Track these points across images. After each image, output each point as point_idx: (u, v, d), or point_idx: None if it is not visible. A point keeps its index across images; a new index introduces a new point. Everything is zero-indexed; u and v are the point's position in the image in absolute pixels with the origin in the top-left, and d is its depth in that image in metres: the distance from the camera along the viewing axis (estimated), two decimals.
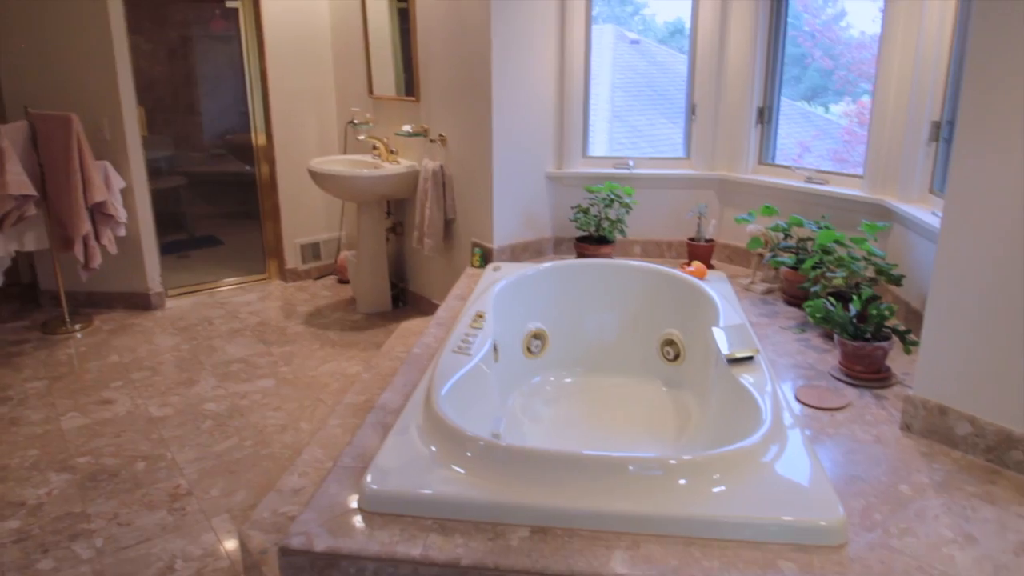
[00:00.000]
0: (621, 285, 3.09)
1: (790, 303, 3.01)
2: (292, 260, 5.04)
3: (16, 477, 2.75)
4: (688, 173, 3.65)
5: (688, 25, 3.61)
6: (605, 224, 3.51)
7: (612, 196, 3.49)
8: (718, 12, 3.44)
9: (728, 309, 2.68)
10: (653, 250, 3.72)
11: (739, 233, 3.46)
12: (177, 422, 3.15)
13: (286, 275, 5.05)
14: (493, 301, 2.75)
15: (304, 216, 5.02)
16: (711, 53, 3.50)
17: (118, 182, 4.16)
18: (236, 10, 4.78)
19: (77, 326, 4.23)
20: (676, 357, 2.92)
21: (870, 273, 2.67)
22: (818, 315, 2.49)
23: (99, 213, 4.01)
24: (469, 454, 1.75)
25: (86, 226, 3.94)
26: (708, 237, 3.51)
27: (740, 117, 3.48)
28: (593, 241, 3.53)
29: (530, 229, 3.72)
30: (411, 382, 2.35)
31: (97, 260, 4.03)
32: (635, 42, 3.97)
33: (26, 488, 2.68)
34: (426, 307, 4.29)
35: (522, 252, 3.69)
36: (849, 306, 2.40)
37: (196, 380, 3.56)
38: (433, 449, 1.82)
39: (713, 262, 3.54)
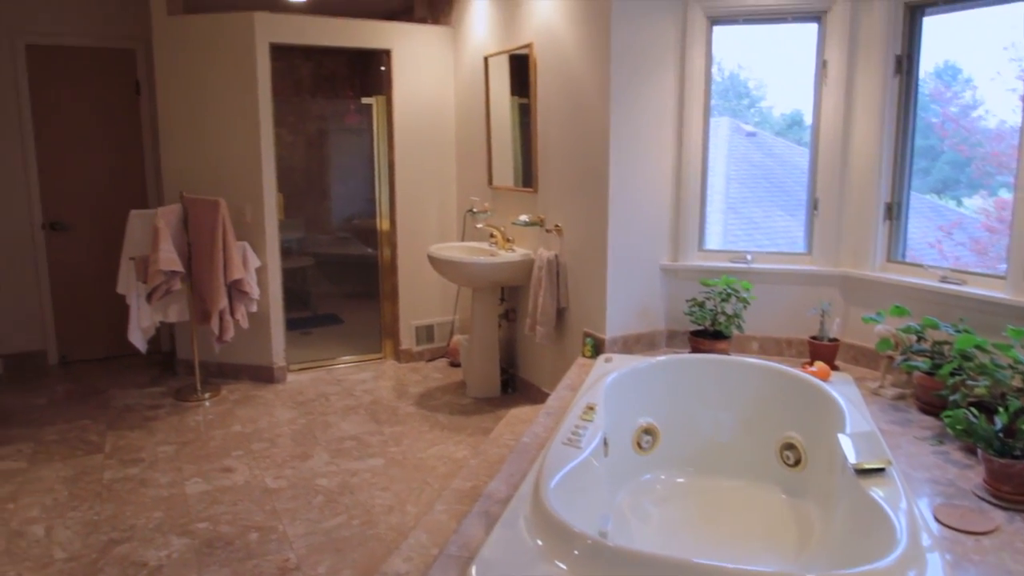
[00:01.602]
0: (738, 383, 2.98)
1: (925, 411, 2.80)
2: (407, 341, 5.19)
3: (141, 537, 2.89)
4: (810, 269, 3.53)
5: (806, 117, 3.58)
6: (721, 319, 3.43)
7: (729, 290, 3.42)
8: (841, 105, 3.39)
9: (855, 414, 2.53)
10: (772, 347, 3.58)
11: (866, 333, 3.29)
12: (290, 495, 3.24)
13: (400, 355, 5.19)
14: (604, 393, 2.72)
15: (420, 299, 5.18)
16: (834, 146, 3.43)
17: (254, 262, 4.47)
18: (370, 106, 5.15)
19: (207, 395, 4.49)
20: (797, 463, 2.75)
21: (1017, 383, 2.45)
22: (959, 427, 2.30)
23: (236, 290, 4.30)
24: (576, 552, 1.70)
25: (223, 301, 4.23)
26: (832, 336, 3.35)
27: (866, 212, 3.37)
28: (709, 336, 3.45)
29: (643, 321, 3.68)
30: (519, 471, 2.33)
31: (230, 333, 4.30)
32: (751, 134, 3.96)
33: (149, 549, 2.81)
34: (535, 395, 4.28)
35: (634, 344, 3.65)
36: (994, 418, 2.21)
37: (310, 454, 3.67)
38: (539, 543, 1.78)
39: (837, 363, 3.36)
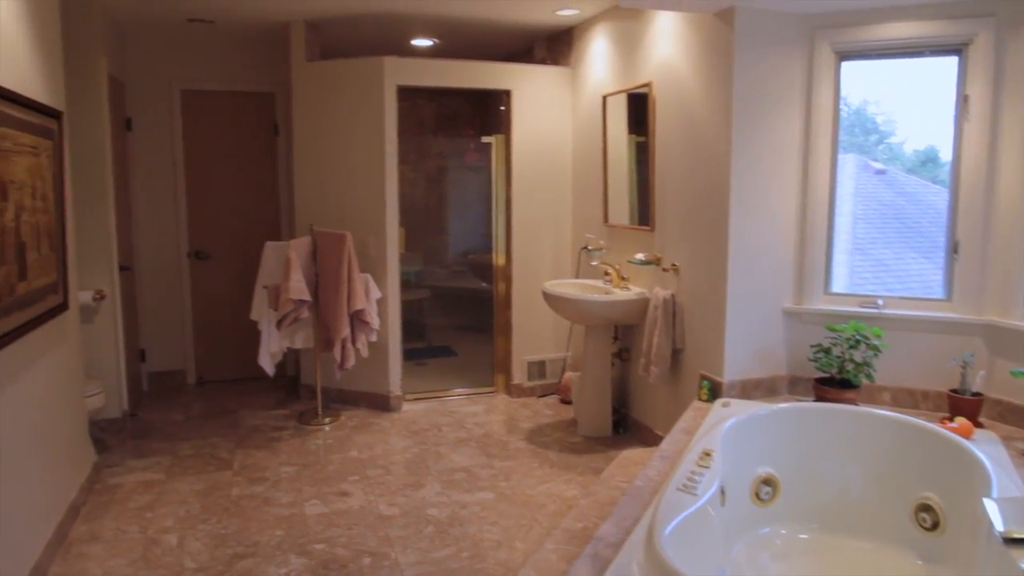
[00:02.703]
0: (868, 436, 2.81)
1: None
2: (518, 376, 5.22)
3: (264, 554, 3.03)
4: (950, 317, 3.30)
5: (941, 154, 3.38)
6: (849, 367, 3.25)
7: (858, 336, 3.24)
8: (985, 141, 3.18)
9: (1003, 477, 2.32)
10: (906, 399, 3.36)
11: (1015, 388, 3.03)
12: (402, 523, 3.31)
13: (511, 390, 5.23)
14: (722, 439, 2.63)
15: (533, 334, 5.21)
16: (977, 185, 3.22)
17: (375, 293, 4.65)
18: (489, 144, 5.28)
19: (327, 420, 4.67)
20: (934, 526, 2.55)
21: None
22: None
23: (358, 320, 4.48)
24: None
25: (346, 330, 4.42)
26: (975, 390, 3.10)
27: (1015, 257, 3.12)
28: (835, 384, 3.28)
29: (763, 365, 3.55)
30: (631, 516, 2.28)
31: (351, 361, 4.48)
32: (881, 172, 3.77)
33: (270, 566, 2.93)
34: (647, 436, 4.20)
35: (753, 389, 3.51)
36: None
37: (422, 484, 3.73)
38: None
39: (981, 419, 3.11)
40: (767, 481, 2.79)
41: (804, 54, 3.48)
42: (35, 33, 3.04)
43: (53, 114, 3.17)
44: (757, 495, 2.77)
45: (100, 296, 4.19)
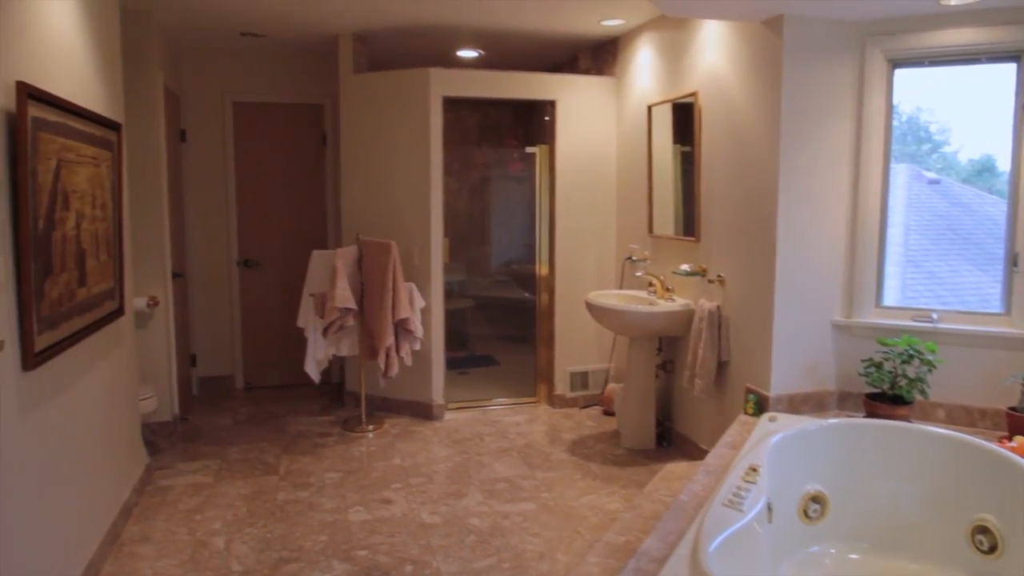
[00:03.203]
0: (922, 454, 2.73)
1: None
2: (561, 387, 5.20)
3: (308, 559, 3.07)
4: (1008, 332, 3.19)
5: (999, 163, 3.28)
6: (902, 382, 3.17)
7: (911, 351, 3.16)
8: None
9: None
10: (961, 417, 3.26)
11: None
12: (444, 532, 3.32)
13: (554, 401, 5.21)
14: (769, 454, 2.58)
15: (576, 345, 5.19)
16: None
17: (419, 302, 4.69)
18: (534, 155, 5.29)
19: (371, 427, 4.72)
20: (992, 549, 2.46)
21: None
22: None
23: (402, 328, 4.52)
24: None
25: (390, 338, 4.46)
26: None
27: None
28: (887, 400, 3.19)
29: (812, 380, 3.48)
30: (675, 531, 2.25)
31: (395, 369, 4.52)
32: (934, 182, 3.68)
33: (314, 572, 2.96)
34: (691, 450, 4.14)
35: (801, 404, 3.44)
36: None
37: (464, 493, 3.74)
38: None
39: None
40: (816, 498, 2.73)
41: (855, 62, 3.42)
42: (98, 49, 3.16)
43: (113, 126, 3.28)
44: (805, 512, 2.71)
45: (154, 302, 4.31)
